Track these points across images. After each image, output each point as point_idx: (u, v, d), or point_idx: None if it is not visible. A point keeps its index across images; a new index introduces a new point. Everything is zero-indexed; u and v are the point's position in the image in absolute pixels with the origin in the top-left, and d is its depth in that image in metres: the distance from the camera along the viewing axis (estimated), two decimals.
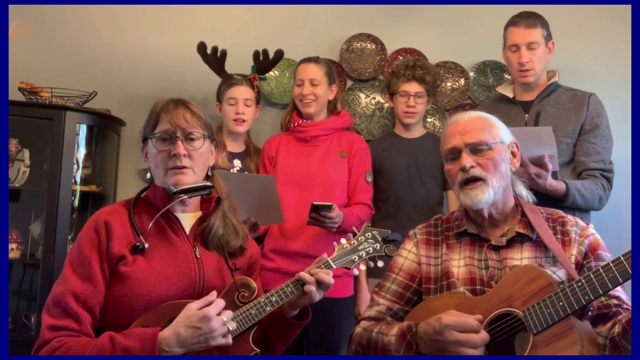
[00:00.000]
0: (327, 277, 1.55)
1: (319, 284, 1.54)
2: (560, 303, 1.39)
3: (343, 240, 1.67)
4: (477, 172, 1.61)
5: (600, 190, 2.34)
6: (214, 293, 1.46)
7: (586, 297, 1.37)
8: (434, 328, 1.46)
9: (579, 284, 1.39)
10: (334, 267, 1.61)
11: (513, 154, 1.71)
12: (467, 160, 1.62)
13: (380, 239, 1.67)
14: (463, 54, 3.09)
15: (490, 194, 1.61)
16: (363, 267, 1.67)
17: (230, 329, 1.42)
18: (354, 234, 1.68)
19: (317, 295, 1.56)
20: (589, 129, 2.41)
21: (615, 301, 1.49)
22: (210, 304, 1.42)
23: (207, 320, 1.38)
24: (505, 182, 1.66)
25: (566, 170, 2.41)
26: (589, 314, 1.42)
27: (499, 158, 1.64)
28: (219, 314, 1.41)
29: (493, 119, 1.71)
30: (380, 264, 1.68)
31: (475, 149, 1.63)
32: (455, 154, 1.66)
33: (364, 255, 1.65)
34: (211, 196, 1.62)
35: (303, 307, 1.61)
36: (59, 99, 2.71)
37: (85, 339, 1.41)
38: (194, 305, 1.41)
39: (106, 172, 2.94)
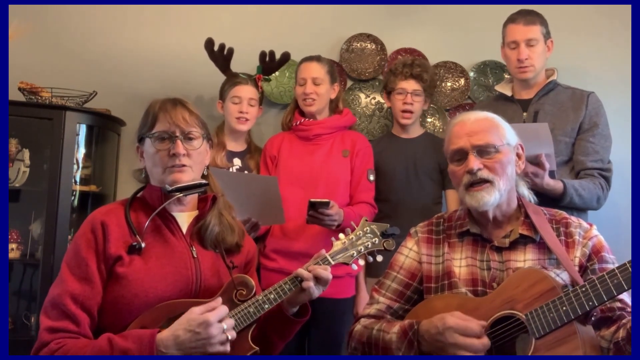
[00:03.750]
0: (325, 272, 1.54)
1: (317, 279, 1.53)
2: (564, 308, 1.38)
3: (341, 236, 1.64)
4: (484, 174, 1.59)
5: (598, 190, 2.33)
6: (219, 300, 1.45)
7: (590, 303, 1.36)
8: (436, 328, 1.46)
9: (583, 289, 1.37)
10: (332, 263, 1.58)
11: (518, 155, 1.69)
12: (474, 162, 1.60)
13: (378, 233, 1.64)
14: (463, 54, 3.09)
15: (496, 197, 1.59)
16: (362, 263, 1.64)
17: (230, 337, 1.41)
18: (353, 229, 1.65)
19: (316, 292, 1.55)
20: (587, 128, 2.41)
21: (619, 304, 1.48)
22: (213, 309, 1.41)
23: (207, 325, 1.37)
24: (511, 185, 1.65)
25: (564, 169, 2.41)
26: (592, 318, 1.41)
27: (505, 160, 1.62)
28: (220, 321, 1.40)
29: (499, 120, 1.69)
30: (379, 258, 1.64)
31: (483, 151, 1.61)
32: (461, 155, 1.64)
33: (362, 250, 1.62)
34: (207, 195, 1.63)
35: (302, 304, 1.60)
36: (59, 99, 2.71)
37: (84, 341, 1.41)
38: (196, 310, 1.41)
39: (106, 172, 2.95)
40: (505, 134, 1.66)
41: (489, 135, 1.62)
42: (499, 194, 1.59)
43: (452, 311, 1.49)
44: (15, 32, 2.63)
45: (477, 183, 1.60)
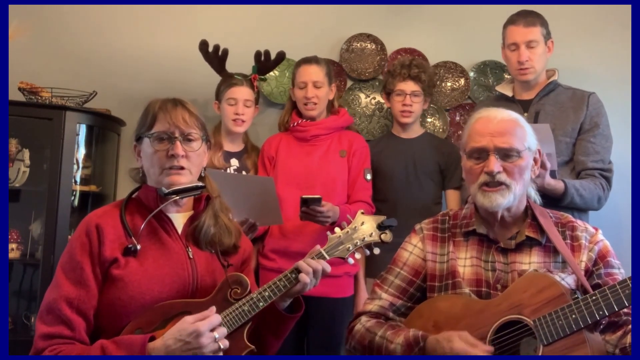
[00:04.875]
0: (320, 266, 1.53)
1: (314, 272, 1.52)
2: (573, 316, 1.38)
3: (337, 229, 1.61)
4: (502, 178, 1.58)
5: (599, 190, 2.33)
6: (213, 309, 1.44)
7: (600, 312, 1.36)
8: (442, 349, 1.45)
9: (594, 297, 1.37)
10: (327, 258, 1.56)
11: (535, 160, 1.68)
12: (495, 165, 1.57)
13: (375, 226, 1.60)
14: (463, 54, 3.09)
15: (510, 200, 1.58)
16: (359, 256, 1.60)
17: (222, 346, 1.39)
18: (349, 223, 1.61)
19: (310, 286, 1.53)
20: (588, 128, 2.41)
21: (625, 309, 1.46)
22: (205, 318, 1.39)
23: (197, 335, 1.36)
24: (525, 189, 1.64)
25: (565, 169, 2.40)
26: (600, 326, 1.41)
27: (524, 165, 1.61)
28: (213, 330, 1.38)
29: (523, 122, 1.66)
30: (376, 251, 1.60)
31: (505, 154, 1.59)
32: (481, 154, 1.61)
33: (358, 244, 1.58)
34: (201, 195, 1.61)
35: (295, 299, 1.59)
36: (59, 99, 2.71)
37: (78, 348, 1.41)
38: (188, 319, 1.39)
39: (106, 172, 2.95)
40: (527, 137, 1.64)
41: (514, 139, 1.60)
42: (513, 197, 1.58)
43: (461, 329, 1.47)
44: (15, 32, 2.63)
45: (493, 184, 1.59)
